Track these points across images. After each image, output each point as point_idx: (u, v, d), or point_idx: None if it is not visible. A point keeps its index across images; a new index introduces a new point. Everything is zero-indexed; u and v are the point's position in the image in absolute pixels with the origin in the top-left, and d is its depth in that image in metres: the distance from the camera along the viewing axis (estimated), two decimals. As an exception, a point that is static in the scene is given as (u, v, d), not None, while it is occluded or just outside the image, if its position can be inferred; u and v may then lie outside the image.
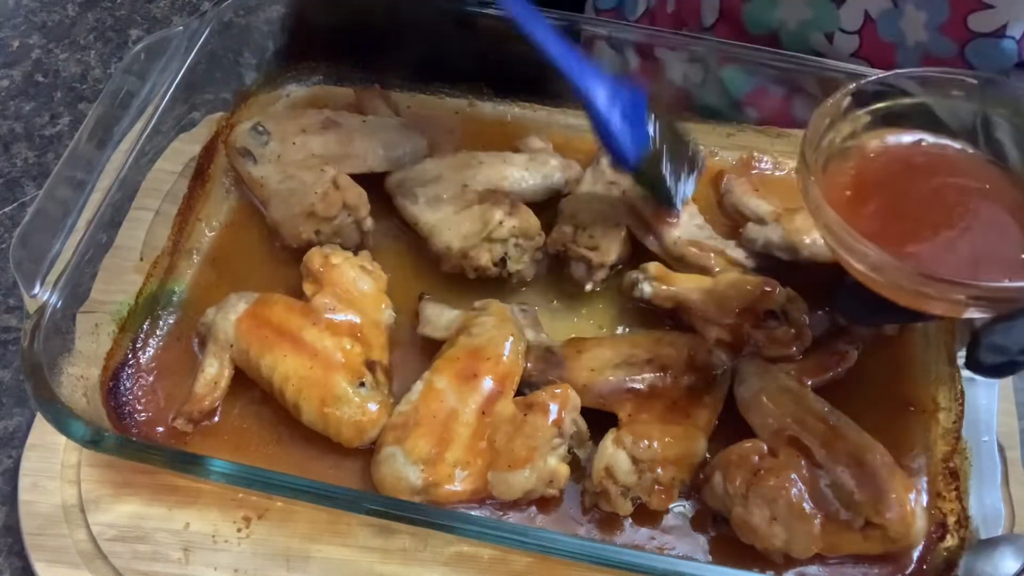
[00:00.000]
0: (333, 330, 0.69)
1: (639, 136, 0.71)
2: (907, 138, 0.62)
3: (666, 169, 0.73)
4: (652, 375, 0.69)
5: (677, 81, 0.88)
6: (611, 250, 0.76)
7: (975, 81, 0.60)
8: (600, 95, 0.69)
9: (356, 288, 0.72)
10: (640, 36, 0.88)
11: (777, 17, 0.87)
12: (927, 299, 0.54)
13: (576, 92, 0.70)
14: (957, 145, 0.61)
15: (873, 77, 0.62)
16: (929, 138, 0.62)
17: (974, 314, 0.54)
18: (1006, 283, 0.53)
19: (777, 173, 0.85)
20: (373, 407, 0.67)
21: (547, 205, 0.80)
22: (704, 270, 0.76)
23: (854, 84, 0.62)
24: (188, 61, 0.78)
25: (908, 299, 0.55)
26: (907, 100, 0.62)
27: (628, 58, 0.90)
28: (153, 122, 0.75)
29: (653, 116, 0.72)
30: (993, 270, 0.54)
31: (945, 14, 0.79)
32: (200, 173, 0.82)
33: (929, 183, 0.60)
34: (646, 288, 0.75)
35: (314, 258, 0.73)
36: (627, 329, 0.76)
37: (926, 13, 0.80)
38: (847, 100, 0.62)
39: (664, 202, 0.76)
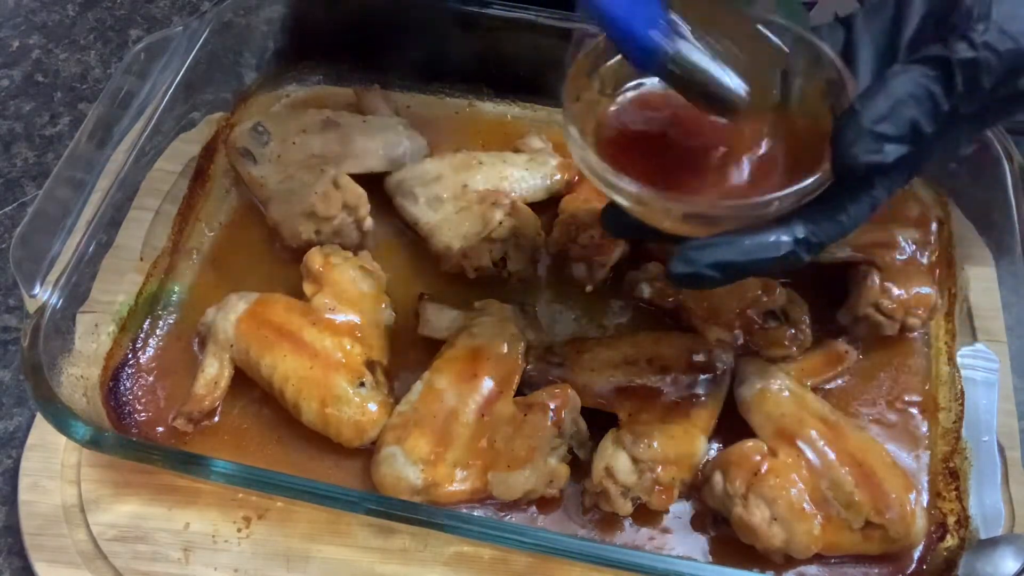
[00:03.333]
0: (333, 330, 0.69)
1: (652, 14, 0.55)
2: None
3: (702, 50, 0.56)
4: (652, 375, 0.69)
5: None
6: (611, 250, 0.76)
7: (788, 35, 0.60)
8: None
9: (356, 288, 0.72)
10: None
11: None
12: (653, 214, 0.57)
13: None
14: None
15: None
16: None
17: (698, 232, 0.56)
18: (706, 201, 0.55)
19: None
20: (373, 407, 0.67)
21: (547, 205, 0.80)
22: (704, 270, 0.76)
23: None
24: (188, 61, 0.78)
25: (640, 213, 0.57)
26: (705, 37, 0.60)
27: None
28: (153, 122, 0.75)
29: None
30: (718, 195, 0.56)
31: None
32: (200, 173, 0.82)
33: (688, 116, 0.60)
34: (646, 288, 0.75)
35: (314, 258, 0.73)
36: (627, 329, 0.76)
37: None
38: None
39: (715, 96, 0.57)
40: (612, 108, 0.62)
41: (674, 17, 0.56)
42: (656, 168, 0.58)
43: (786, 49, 0.60)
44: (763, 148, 0.59)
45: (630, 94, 0.63)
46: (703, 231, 0.56)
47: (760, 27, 0.61)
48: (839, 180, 0.54)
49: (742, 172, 0.59)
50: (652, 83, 0.63)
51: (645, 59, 0.56)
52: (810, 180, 0.53)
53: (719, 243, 0.55)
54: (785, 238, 0.54)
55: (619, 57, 0.62)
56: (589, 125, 0.60)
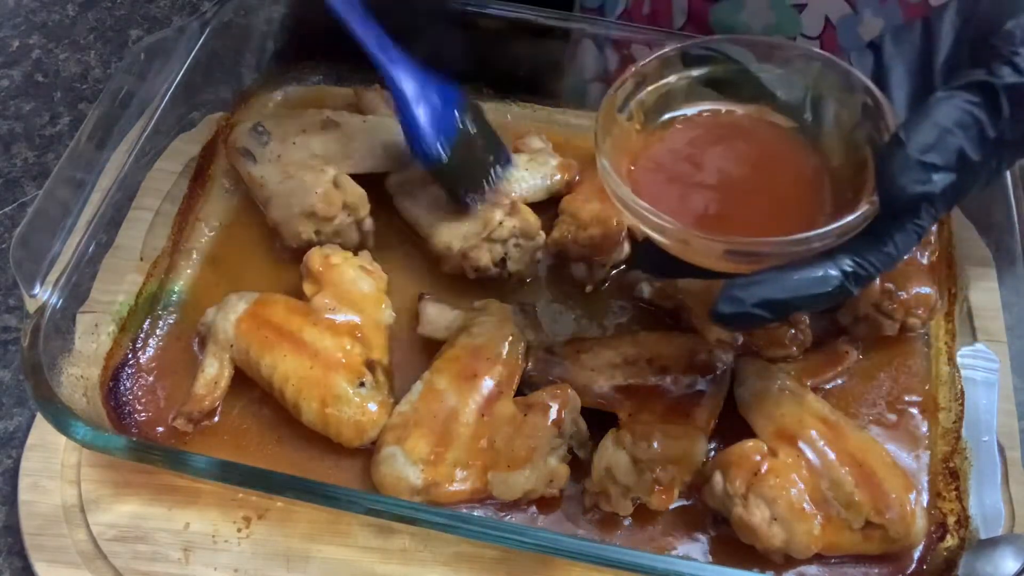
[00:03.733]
0: (333, 330, 0.69)
1: (445, 129, 0.72)
2: (715, 106, 0.63)
3: (470, 165, 0.74)
4: (652, 375, 0.68)
5: None
6: (611, 250, 0.76)
7: (815, 59, 0.61)
8: (408, 84, 0.72)
9: (356, 288, 0.72)
10: (620, 32, 0.88)
11: (742, 20, 0.88)
12: (694, 252, 0.56)
13: (383, 77, 0.73)
14: (770, 116, 0.62)
15: (700, 40, 0.63)
16: (738, 108, 0.63)
17: (740, 269, 0.55)
18: (750, 239, 0.54)
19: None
20: (373, 407, 0.67)
21: (547, 205, 0.80)
22: (704, 270, 0.76)
23: (670, 47, 0.62)
24: (188, 61, 0.78)
25: (680, 250, 0.57)
26: (734, 67, 0.62)
27: (608, 56, 0.91)
28: (153, 122, 0.75)
29: (463, 112, 0.74)
30: (758, 230, 0.55)
31: (899, 20, 0.80)
32: (200, 173, 0.82)
33: (726, 149, 0.61)
34: (646, 288, 0.75)
35: (314, 258, 0.73)
36: (627, 329, 0.76)
37: (882, 19, 0.81)
38: (658, 64, 0.62)
39: (462, 199, 0.75)
40: (646, 142, 0.62)
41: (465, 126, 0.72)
42: (693, 203, 0.58)
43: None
44: (801, 179, 0.59)
45: (664, 127, 0.62)
46: (745, 268, 0.55)
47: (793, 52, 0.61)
48: (885, 210, 0.53)
49: (781, 205, 0.58)
50: (683, 117, 0.63)
51: (425, 161, 0.73)
52: (857, 213, 0.53)
53: (765, 281, 0.53)
54: (833, 272, 0.53)
55: (650, 90, 0.62)
56: (622, 159, 0.60)
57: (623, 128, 0.62)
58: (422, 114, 0.72)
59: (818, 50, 0.61)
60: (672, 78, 0.63)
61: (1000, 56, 0.52)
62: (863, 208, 0.53)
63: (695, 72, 0.63)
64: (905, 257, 0.54)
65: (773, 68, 0.61)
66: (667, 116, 0.63)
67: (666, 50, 0.62)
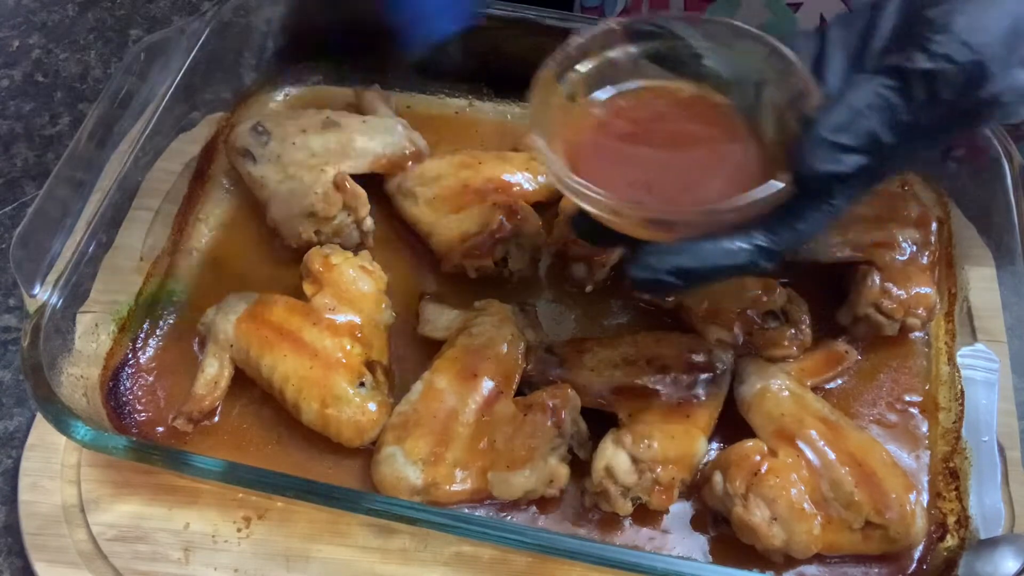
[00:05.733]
0: (333, 330, 0.69)
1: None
2: (657, 82, 0.63)
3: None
4: (652, 375, 0.68)
5: None
6: (611, 250, 0.76)
7: (759, 41, 0.60)
8: None
9: (356, 288, 0.72)
10: None
11: (738, 19, 0.87)
12: (618, 221, 0.57)
13: None
14: (710, 94, 0.62)
15: (646, 17, 0.63)
16: (679, 84, 0.63)
17: (663, 237, 0.56)
18: (662, 207, 0.55)
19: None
20: (373, 407, 0.67)
21: (547, 205, 0.80)
22: (704, 270, 0.76)
23: (615, 22, 0.62)
24: (188, 61, 0.78)
25: (607, 219, 0.57)
26: (679, 44, 0.62)
27: None
28: (153, 122, 0.75)
29: None
30: (683, 202, 0.56)
31: None
32: (200, 173, 0.82)
33: (664, 124, 0.61)
34: (646, 288, 0.75)
35: (314, 258, 0.73)
36: (627, 329, 0.76)
37: None
38: (601, 38, 0.62)
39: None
40: (586, 114, 0.62)
41: None
42: (626, 175, 0.59)
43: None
44: (734, 156, 0.59)
45: (601, 101, 0.63)
46: (666, 236, 0.56)
47: (739, 35, 0.61)
48: (799, 189, 0.54)
49: (709, 180, 0.58)
50: (623, 90, 0.63)
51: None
52: (767, 188, 0.53)
53: (679, 249, 0.55)
54: (744, 245, 0.54)
55: (592, 63, 0.62)
56: (560, 131, 0.60)
57: (562, 100, 0.62)
58: None
59: (763, 33, 0.61)
60: (615, 52, 0.63)
61: (917, 42, 0.52)
62: (777, 184, 0.53)
63: (639, 47, 0.62)
64: (816, 235, 0.55)
65: (717, 47, 0.62)
66: (608, 89, 0.63)
67: (610, 25, 0.62)
